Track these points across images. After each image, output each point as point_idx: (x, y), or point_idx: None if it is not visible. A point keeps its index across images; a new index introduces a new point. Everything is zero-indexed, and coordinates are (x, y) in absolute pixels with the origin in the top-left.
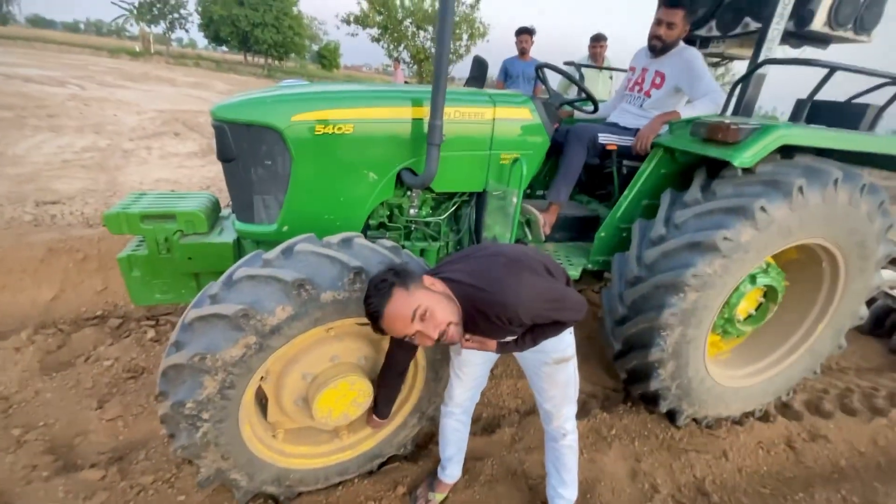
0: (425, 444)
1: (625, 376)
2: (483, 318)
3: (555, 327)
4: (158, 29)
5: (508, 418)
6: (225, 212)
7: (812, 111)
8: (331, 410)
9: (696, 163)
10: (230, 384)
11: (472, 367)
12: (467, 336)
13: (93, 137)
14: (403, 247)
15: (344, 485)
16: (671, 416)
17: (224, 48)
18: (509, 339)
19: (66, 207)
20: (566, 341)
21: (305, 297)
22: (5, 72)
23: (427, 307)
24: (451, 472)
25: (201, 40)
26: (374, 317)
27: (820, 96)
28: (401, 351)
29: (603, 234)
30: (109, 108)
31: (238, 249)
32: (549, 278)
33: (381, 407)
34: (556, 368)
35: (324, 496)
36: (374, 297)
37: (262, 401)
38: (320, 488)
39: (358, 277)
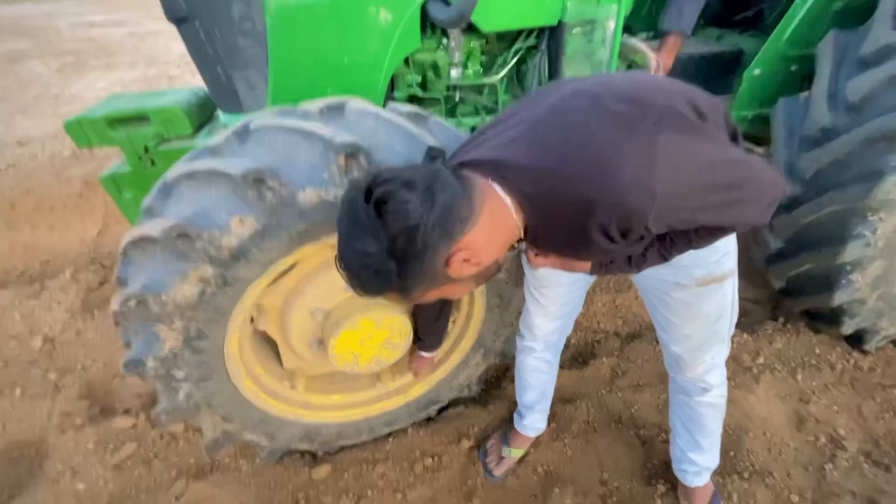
0: (497, 382)
1: (782, 285)
2: (570, 233)
3: (712, 233)
4: None
5: (605, 345)
6: None
7: None
8: (355, 356)
9: None
10: (197, 334)
11: (558, 288)
12: (535, 251)
13: (143, 69)
14: None
15: (395, 436)
16: (855, 338)
17: None
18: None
19: None
20: (721, 248)
21: (272, 199)
22: (74, 21)
23: (444, 294)
24: (532, 422)
25: None
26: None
27: None
28: None
29: (757, 73)
30: (162, 39)
31: None
32: (707, 132)
33: (423, 337)
34: (701, 293)
35: (370, 451)
36: (349, 274)
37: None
38: (366, 441)
39: (353, 162)
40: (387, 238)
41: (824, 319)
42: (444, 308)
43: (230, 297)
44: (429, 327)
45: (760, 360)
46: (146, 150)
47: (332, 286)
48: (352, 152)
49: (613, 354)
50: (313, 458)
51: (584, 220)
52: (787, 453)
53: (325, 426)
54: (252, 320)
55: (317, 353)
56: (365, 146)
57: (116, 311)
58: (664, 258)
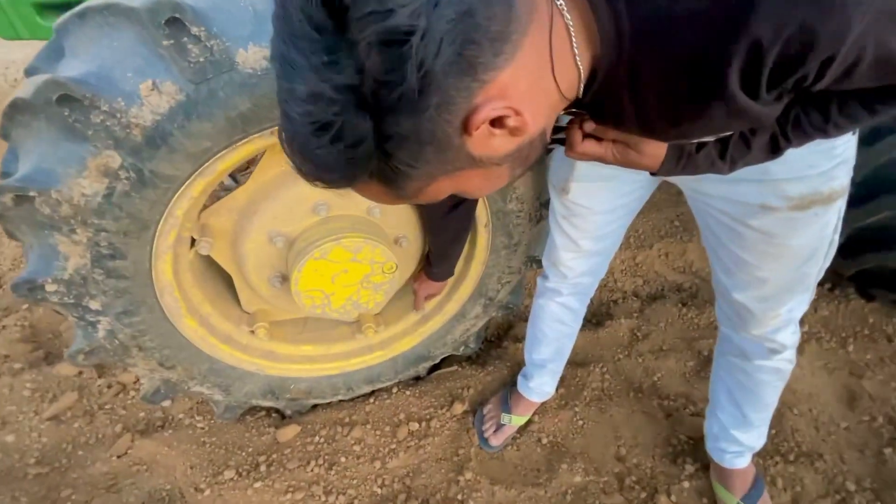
0: (498, 342)
1: (840, 241)
2: (684, 77)
3: (869, 108)
4: None
5: (624, 305)
6: None
7: None
8: (326, 297)
9: None
10: (110, 250)
11: (593, 217)
12: (588, 123)
13: None
14: None
15: (377, 396)
16: None
17: None
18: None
19: None
20: (838, 151)
21: (198, 56)
22: None
23: (460, 188)
24: (540, 385)
25: None
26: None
27: None
28: None
29: None
30: None
31: None
32: None
33: (434, 262)
34: (795, 220)
35: (347, 412)
36: (292, 144)
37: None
38: (343, 400)
39: None
40: (354, 65)
41: (885, 284)
42: (463, 225)
43: (152, 203)
44: (442, 250)
45: (805, 327)
46: None
47: (297, 202)
48: None
49: (633, 316)
50: (281, 418)
51: (724, 44)
52: (837, 434)
53: (292, 381)
54: (193, 243)
55: (279, 291)
56: None
57: None
58: (773, 152)
